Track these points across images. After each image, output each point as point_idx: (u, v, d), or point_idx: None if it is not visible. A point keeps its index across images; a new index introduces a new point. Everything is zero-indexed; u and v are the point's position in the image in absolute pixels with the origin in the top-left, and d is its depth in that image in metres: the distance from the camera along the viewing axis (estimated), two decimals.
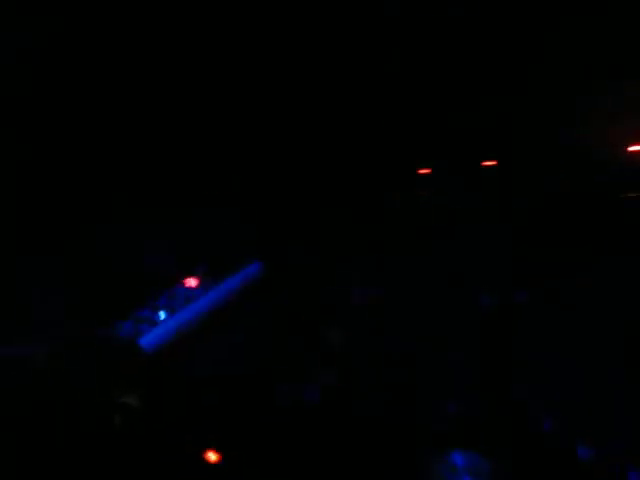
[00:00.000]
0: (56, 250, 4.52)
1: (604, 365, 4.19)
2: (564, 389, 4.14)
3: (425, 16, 4.68)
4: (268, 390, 4.34)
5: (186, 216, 4.87)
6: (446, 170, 5.12)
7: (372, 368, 4.45)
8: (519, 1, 4.54)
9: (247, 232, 5.02)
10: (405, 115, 4.95)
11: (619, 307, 4.42)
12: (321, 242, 5.10)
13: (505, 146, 4.93)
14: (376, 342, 4.60)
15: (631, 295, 4.47)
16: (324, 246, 5.11)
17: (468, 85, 4.84)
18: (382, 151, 5.09)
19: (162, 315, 4.53)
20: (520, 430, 4.00)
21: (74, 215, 4.61)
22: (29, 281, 4.43)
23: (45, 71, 4.53)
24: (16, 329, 4.31)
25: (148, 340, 4.40)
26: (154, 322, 4.51)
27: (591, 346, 4.30)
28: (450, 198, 5.15)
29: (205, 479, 3.96)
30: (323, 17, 4.57)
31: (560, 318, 4.49)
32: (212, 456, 4.04)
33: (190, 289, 4.68)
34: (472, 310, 4.68)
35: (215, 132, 4.85)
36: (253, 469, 3.97)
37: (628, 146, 4.60)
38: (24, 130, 4.57)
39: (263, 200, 5.04)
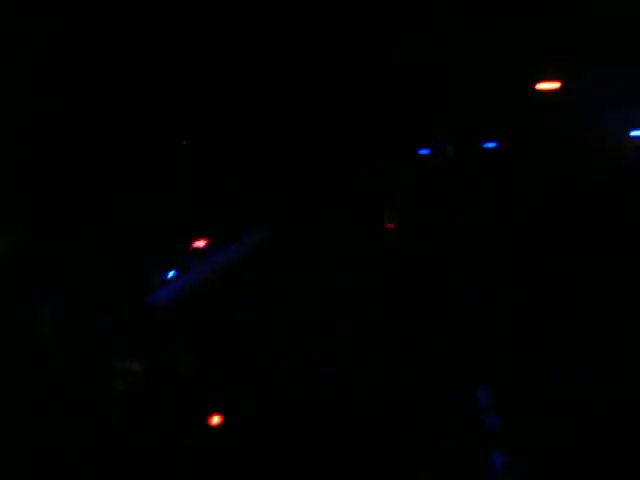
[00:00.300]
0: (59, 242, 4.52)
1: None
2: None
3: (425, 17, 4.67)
4: (270, 353, 4.35)
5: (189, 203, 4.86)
6: (446, 169, 5.11)
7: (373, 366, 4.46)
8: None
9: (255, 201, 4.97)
10: (405, 115, 4.95)
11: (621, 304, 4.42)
12: (321, 240, 5.09)
13: (505, 137, 4.92)
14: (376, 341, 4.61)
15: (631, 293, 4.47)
16: (324, 245, 5.10)
17: (466, 83, 4.84)
18: (380, 149, 5.08)
19: (171, 274, 4.58)
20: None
21: (74, 212, 4.62)
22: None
23: (45, 71, 4.53)
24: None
25: (157, 298, 4.44)
26: (164, 280, 4.55)
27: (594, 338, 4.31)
28: (450, 198, 5.15)
29: (208, 444, 3.99)
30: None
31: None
32: (216, 420, 4.05)
33: (198, 250, 4.71)
34: (472, 308, 4.69)
35: (216, 130, 4.85)
36: (256, 434, 3.99)
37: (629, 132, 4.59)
38: (24, 130, 4.57)
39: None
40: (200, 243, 4.69)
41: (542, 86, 4.54)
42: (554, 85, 4.54)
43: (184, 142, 4.68)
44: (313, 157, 4.96)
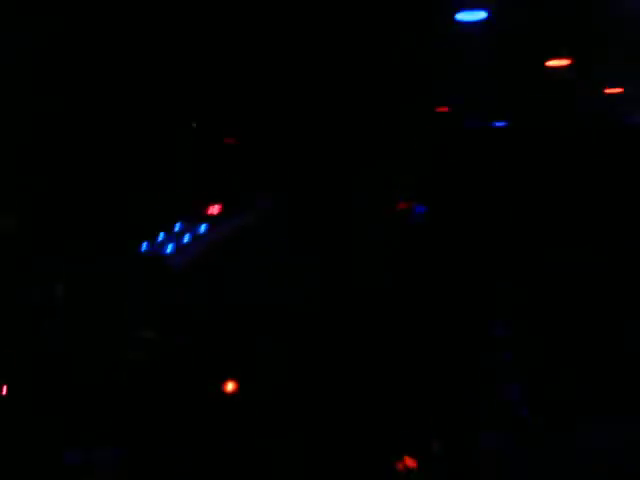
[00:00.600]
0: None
1: None
2: None
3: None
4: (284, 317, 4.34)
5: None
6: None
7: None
8: None
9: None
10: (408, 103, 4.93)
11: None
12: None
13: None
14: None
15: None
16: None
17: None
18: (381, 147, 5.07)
19: (186, 238, 4.62)
20: None
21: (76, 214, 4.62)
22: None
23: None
24: None
25: (170, 262, 4.52)
26: (177, 245, 4.63)
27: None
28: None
29: (221, 413, 3.99)
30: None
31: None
32: (230, 386, 4.06)
33: (212, 216, 4.75)
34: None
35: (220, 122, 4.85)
36: (270, 399, 3.99)
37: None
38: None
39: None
40: (214, 209, 4.71)
41: (552, 63, 4.52)
42: (564, 62, 4.52)
43: (193, 125, 4.71)
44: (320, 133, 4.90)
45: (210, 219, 4.81)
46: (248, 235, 4.71)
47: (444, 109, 5.05)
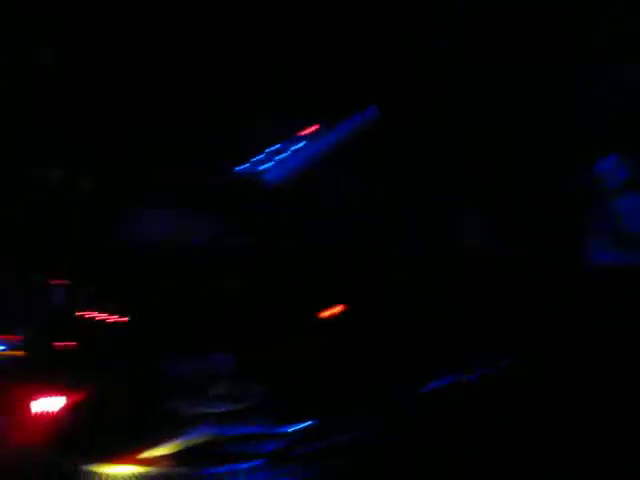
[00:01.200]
0: None
1: None
2: None
3: None
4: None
5: None
6: None
7: None
8: None
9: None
10: None
11: None
12: None
13: None
14: None
15: None
16: None
17: None
18: None
19: (281, 156, 4.67)
20: None
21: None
22: None
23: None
24: None
25: (270, 175, 4.59)
26: (274, 161, 4.68)
27: None
28: None
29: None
30: None
31: None
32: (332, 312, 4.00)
33: (309, 134, 4.74)
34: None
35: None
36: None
37: None
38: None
39: None
40: (310, 129, 4.69)
41: None
42: None
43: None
44: None
45: (307, 137, 4.75)
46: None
47: None
